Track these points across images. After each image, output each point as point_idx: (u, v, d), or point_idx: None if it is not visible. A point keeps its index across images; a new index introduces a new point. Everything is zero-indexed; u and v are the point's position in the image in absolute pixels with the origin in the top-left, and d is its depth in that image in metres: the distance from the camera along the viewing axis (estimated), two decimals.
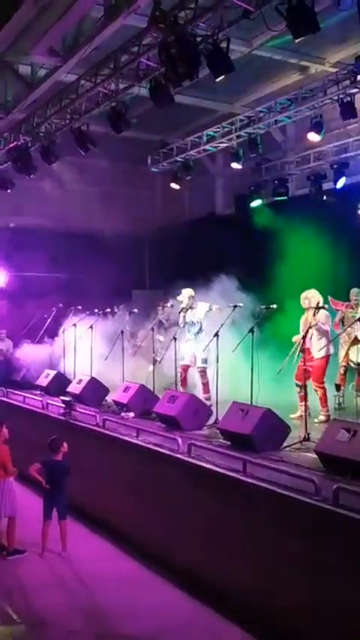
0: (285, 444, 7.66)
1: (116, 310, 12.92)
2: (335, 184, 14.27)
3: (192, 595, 6.62)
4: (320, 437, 6.92)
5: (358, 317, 8.78)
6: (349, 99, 11.95)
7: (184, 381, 11.31)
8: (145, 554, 7.63)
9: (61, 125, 13.13)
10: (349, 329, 10.03)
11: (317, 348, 9.46)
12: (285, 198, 15.60)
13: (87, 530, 8.64)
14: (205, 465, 7.01)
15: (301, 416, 9.36)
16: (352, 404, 9.69)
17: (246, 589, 6.16)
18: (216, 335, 9.44)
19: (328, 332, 9.47)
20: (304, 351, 9.13)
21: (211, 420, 9.03)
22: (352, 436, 6.31)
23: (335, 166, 14.27)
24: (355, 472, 6.06)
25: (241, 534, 6.34)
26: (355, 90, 11.91)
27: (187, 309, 11.33)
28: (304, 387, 9.19)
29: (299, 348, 8.96)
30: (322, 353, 9.47)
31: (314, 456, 6.81)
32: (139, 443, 8.28)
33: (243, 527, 6.33)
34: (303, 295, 9.78)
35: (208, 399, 10.52)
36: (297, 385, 9.57)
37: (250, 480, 6.36)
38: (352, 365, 10.40)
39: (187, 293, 11.50)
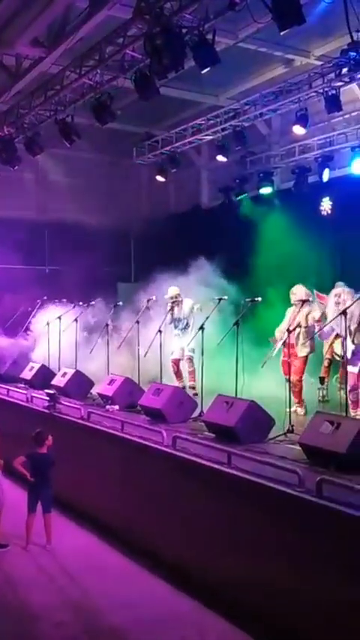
0: (269, 436, 7.68)
1: (96, 302, 12.87)
2: (320, 177, 14.31)
3: (178, 587, 6.63)
4: (304, 429, 6.96)
5: (342, 310, 8.80)
6: (334, 92, 11.98)
7: (177, 374, 11.88)
8: (131, 546, 7.64)
9: (46, 116, 13.06)
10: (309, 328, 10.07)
11: (302, 347, 9.52)
12: (270, 191, 15.63)
13: (72, 523, 8.63)
14: (189, 457, 7.01)
15: (296, 410, 9.45)
16: (336, 396, 9.76)
17: (232, 581, 6.18)
18: (201, 328, 9.46)
19: (314, 331, 9.52)
20: (287, 345, 9.18)
21: (196, 413, 9.04)
22: (336, 428, 6.34)
23: (320, 159, 14.30)
24: (339, 464, 6.09)
25: (226, 526, 6.36)
26: (340, 83, 11.95)
27: (174, 307, 11.79)
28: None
29: (282, 342, 9.03)
30: (305, 352, 9.55)
31: (298, 447, 6.84)
32: (124, 436, 8.27)
33: (228, 519, 6.35)
34: (291, 290, 9.84)
35: (194, 387, 11.07)
36: (287, 380, 9.60)
37: (234, 472, 6.37)
38: (336, 358, 10.45)
39: (172, 291, 11.93)
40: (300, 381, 9.65)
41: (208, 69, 9.30)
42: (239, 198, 16.10)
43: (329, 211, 14.27)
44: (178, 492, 7.11)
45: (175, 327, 11.86)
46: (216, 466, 6.61)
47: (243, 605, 5.99)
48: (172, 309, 11.81)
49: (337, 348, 10.20)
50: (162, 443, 7.56)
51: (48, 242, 18.12)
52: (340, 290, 9.82)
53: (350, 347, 8.58)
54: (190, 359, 11.52)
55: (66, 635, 5.93)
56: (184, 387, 11.47)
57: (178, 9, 8.88)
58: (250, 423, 7.56)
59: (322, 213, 14.37)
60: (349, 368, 8.59)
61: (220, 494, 6.52)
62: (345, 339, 8.72)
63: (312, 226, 14.29)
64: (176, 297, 11.86)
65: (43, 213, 18.70)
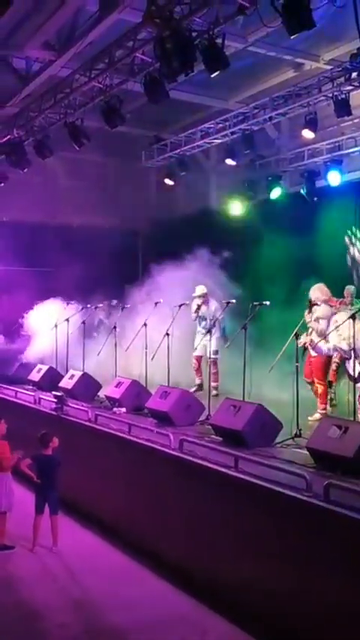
0: (277, 440, 7.67)
1: (113, 304, 12.97)
2: (328, 181, 14.29)
3: (183, 589, 6.64)
4: (312, 433, 6.94)
5: (351, 314, 8.76)
6: (343, 96, 11.97)
7: (198, 370, 12.11)
8: (137, 549, 7.64)
9: (55, 119, 13.10)
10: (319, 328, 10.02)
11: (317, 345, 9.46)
12: (279, 194, 15.60)
13: (78, 525, 8.64)
14: (196, 460, 7.01)
15: (325, 414, 9.39)
16: (344, 400, 9.72)
17: (236, 584, 6.17)
18: (209, 332, 9.62)
19: (323, 330, 9.45)
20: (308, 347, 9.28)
21: (204, 416, 9.03)
22: (343, 432, 6.33)
23: (329, 164, 14.29)
24: (346, 468, 6.07)
25: (232, 530, 6.35)
26: (350, 87, 11.94)
27: (201, 305, 11.97)
28: (314, 384, 9.43)
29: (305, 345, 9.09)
30: (316, 352, 9.50)
31: (305, 452, 6.82)
32: (131, 438, 8.27)
33: (234, 523, 6.34)
34: (311, 290, 9.75)
35: (216, 387, 11.40)
36: (308, 383, 9.61)
37: (241, 476, 6.36)
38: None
39: (200, 290, 12.10)
40: (321, 382, 9.53)
41: (217, 73, 9.31)
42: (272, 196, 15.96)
43: None
44: (185, 495, 7.11)
45: (199, 324, 12.07)
46: (223, 470, 6.60)
47: (246, 606, 5.98)
48: (198, 307, 11.99)
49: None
50: (169, 446, 7.55)
51: (56, 244, 18.15)
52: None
53: None
54: (215, 361, 11.70)
55: (68, 635, 5.94)
56: (201, 385, 11.73)
57: (188, 13, 8.89)
58: (258, 427, 7.55)
59: None
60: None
61: (226, 497, 6.51)
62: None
63: (319, 229, 14.27)
64: (203, 296, 12.02)
65: (51, 215, 18.74)
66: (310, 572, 5.38)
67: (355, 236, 14.18)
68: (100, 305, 12.75)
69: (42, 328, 13.25)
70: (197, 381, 11.97)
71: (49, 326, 13.04)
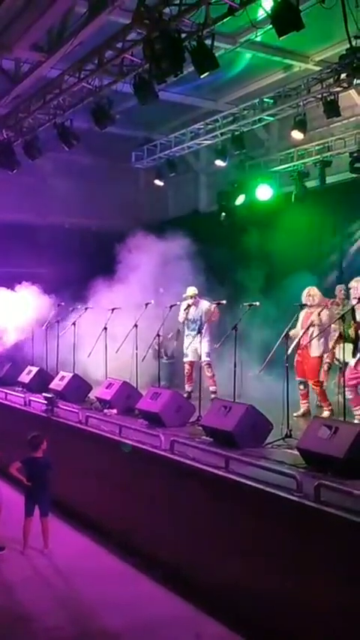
0: (267, 441, 7.68)
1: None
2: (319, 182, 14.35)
3: (175, 591, 6.63)
4: (302, 433, 6.96)
5: (342, 314, 8.80)
6: (332, 97, 12.01)
7: (189, 377, 11.69)
8: (128, 550, 7.63)
9: (45, 120, 13.07)
10: (334, 326, 10.06)
11: (316, 346, 9.47)
12: (269, 195, 15.65)
13: (69, 526, 8.61)
14: (187, 461, 7.01)
15: (304, 414, 9.44)
16: (334, 401, 9.76)
17: (228, 585, 6.17)
18: (199, 332, 9.61)
19: (329, 332, 9.49)
20: (301, 347, 9.29)
21: (194, 417, 9.03)
22: (333, 433, 6.35)
23: (318, 165, 14.33)
24: (337, 469, 6.09)
25: (224, 531, 6.36)
26: (339, 89, 11.99)
27: (190, 306, 11.63)
28: (306, 384, 9.50)
29: (296, 344, 9.06)
30: (319, 352, 9.51)
31: (296, 452, 6.84)
32: (122, 440, 8.27)
33: (225, 524, 6.34)
34: (305, 292, 9.75)
35: (215, 392, 11.03)
36: (300, 382, 9.63)
37: (232, 477, 6.37)
38: (336, 363, 10.46)
39: (191, 291, 11.81)
40: (317, 383, 9.58)
41: (207, 74, 9.32)
42: (237, 202, 16.06)
43: None
44: (176, 496, 7.10)
45: (188, 327, 11.71)
46: (214, 470, 6.60)
47: (239, 609, 5.98)
48: (188, 307, 11.66)
49: (338, 353, 10.20)
50: (160, 447, 7.55)
51: (46, 245, 18.10)
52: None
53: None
54: (209, 364, 11.38)
55: (60, 637, 5.92)
56: (191, 392, 11.46)
57: (178, 14, 8.89)
58: (248, 428, 7.56)
59: None
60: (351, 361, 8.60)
61: (217, 498, 6.52)
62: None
63: (311, 230, 14.33)
64: (193, 297, 11.67)
65: (41, 216, 18.68)
66: (302, 572, 5.39)
67: (344, 236, 14.26)
68: (90, 306, 12.68)
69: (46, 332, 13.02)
70: (187, 388, 11.56)
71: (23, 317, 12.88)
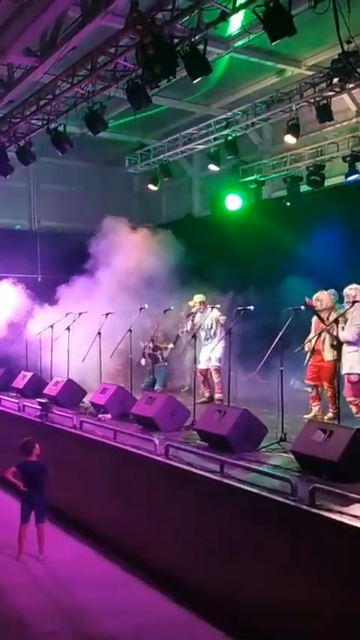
0: (262, 445, 7.68)
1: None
2: (310, 186, 14.38)
3: (170, 596, 6.62)
4: (296, 437, 6.96)
5: (335, 318, 8.85)
6: (325, 102, 12.06)
7: (204, 382, 11.66)
8: (123, 555, 7.61)
9: (38, 126, 13.07)
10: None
11: (328, 351, 9.47)
12: (262, 200, 15.69)
13: (64, 532, 8.60)
14: (182, 466, 7.01)
15: (316, 416, 9.45)
16: (329, 403, 9.77)
17: (224, 589, 6.17)
18: (194, 336, 9.65)
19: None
20: (315, 351, 9.34)
21: (189, 422, 9.03)
22: (328, 436, 6.35)
23: (311, 169, 14.36)
24: (331, 472, 6.10)
25: (219, 535, 6.35)
26: (332, 93, 12.04)
27: (196, 314, 11.65)
28: (316, 388, 9.49)
29: (310, 350, 9.19)
30: (332, 355, 9.49)
31: (291, 456, 6.84)
32: (117, 444, 8.26)
33: (220, 528, 6.34)
34: (314, 297, 9.74)
35: (221, 399, 10.95)
36: (309, 386, 9.65)
37: (227, 481, 6.37)
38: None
39: (198, 299, 11.87)
40: (331, 386, 9.53)
41: (199, 79, 9.34)
42: (231, 207, 16.08)
43: None
44: (171, 501, 7.10)
45: (201, 337, 11.57)
46: (209, 475, 6.60)
47: (235, 613, 5.97)
48: (191, 315, 11.70)
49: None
50: (154, 452, 7.55)
51: (40, 250, 18.09)
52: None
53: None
54: (217, 370, 11.35)
55: None
56: (211, 397, 11.49)
57: (170, 19, 8.92)
58: (243, 432, 7.55)
59: None
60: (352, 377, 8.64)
61: (212, 502, 6.51)
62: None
63: (304, 235, 14.33)
64: (200, 305, 11.72)
65: (34, 221, 18.69)
66: (297, 576, 5.39)
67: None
68: (85, 311, 12.65)
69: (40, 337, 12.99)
70: (206, 394, 11.58)
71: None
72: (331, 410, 9.50)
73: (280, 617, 5.51)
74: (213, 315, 11.40)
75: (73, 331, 11.70)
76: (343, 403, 8.73)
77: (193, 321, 11.73)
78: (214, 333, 11.45)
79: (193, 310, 11.81)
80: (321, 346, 9.45)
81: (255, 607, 5.77)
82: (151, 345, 12.99)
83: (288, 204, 14.70)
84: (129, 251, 13.31)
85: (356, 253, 12.22)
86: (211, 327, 11.52)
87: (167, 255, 13.22)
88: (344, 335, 8.77)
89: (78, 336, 11.55)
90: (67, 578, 7.23)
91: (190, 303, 12.08)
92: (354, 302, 8.62)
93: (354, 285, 9.07)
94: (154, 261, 12.99)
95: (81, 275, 13.50)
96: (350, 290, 9.02)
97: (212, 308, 11.28)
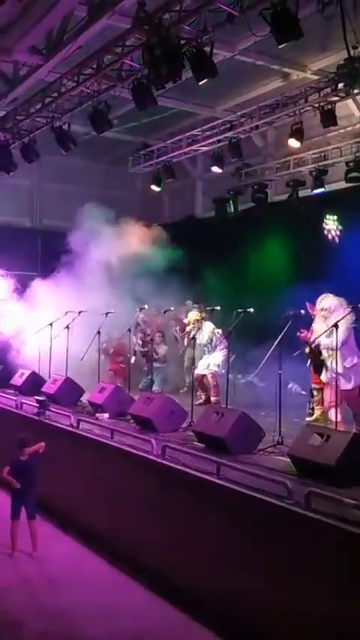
0: (259, 447, 7.67)
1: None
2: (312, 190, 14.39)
3: (164, 597, 6.61)
4: (293, 440, 6.96)
5: (331, 325, 8.85)
6: (329, 107, 12.06)
7: (201, 386, 11.65)
8: (118, 555, 7.60)
9: (42, 123, 13.07)
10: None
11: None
12: (264, 203, 15.69)
13: (59, 530, 8.59)
14: (178, 467, 7.00)
15: (318, 419, 9.43)
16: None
17: (218, 592, 6.15)
18: (193, 338, 9.69)
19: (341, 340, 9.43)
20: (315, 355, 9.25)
21: (186, 423, 9.02)
22: (325, 441, 6.35)
23: (314, 173, 14.38)
24: (328, 476, 6.09)
25: (214, 537, 6.34)
26: (336, 98, 12.05)
27: (196, 331, 11.60)
28: (321, 392, 9.43)
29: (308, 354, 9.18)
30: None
31: (288, 459, 6.84)
32: (114, 444, 8.25)
33: (216, 530, 6.33)
34: (318, 300, 9.69)
35: (218, 402, 10.88)
36: (314, 389, 9.64)
37: (223, 483, 6.36)
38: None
39: (193, 317, 11.88)
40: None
41: (205, 80, 9.34)
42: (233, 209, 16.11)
43: (335, 233, 14.31)
44: (167, 502, 7.09)
45: (202, 351, 11.68)
46: (205, 476, 6.59)
47: (228, 615, 5.96)
48: (186, 334, 11.77)
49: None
50: (151, 452, 7.54)
51: (41, 248, 18.08)
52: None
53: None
54: (213, 374, 11.39)
55: None
56: (208, 398, 11.49)
57: (177, 20, 8.92)
58: (240, 434, 7.55)
59: (326, 233, 14.41)
60: (342, 384, 8.52)
61: (208, 504, 6.50)
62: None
63: (304, 238, 14.36)
64: (196, 323, 11.69)
65: (37, 219, 18.67)
66: (291, 579, 5.38)
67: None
68: (84, 310, 12.64)
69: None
70: (203, 396, 11.58)
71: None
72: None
73: (274, 620, 5.50)
74: (208, 329, 11.53)
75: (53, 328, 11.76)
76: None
77: (189, 337, 11.74)
78: (214, 346, 11.52)
79: (188, 329, 11.87)
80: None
81: (248, 610, 5.76)
82: (140, 342, 13.02)
83: (303, 208, 14.66)
84: (114, 245, 13.27)
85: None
86: (210, 342, 11.58)
87: (166, 255, 13.22)
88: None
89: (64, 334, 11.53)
90: (60, 577, 7.23)
91: (186, 321, 12.13)
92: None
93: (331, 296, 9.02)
94: (151, 260, 12.98)
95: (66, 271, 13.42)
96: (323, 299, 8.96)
97: (205, 321, 11.49)
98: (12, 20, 10.40)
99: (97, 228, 13.38)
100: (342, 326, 7.94)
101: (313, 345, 9.03)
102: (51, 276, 13.69)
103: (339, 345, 8.06)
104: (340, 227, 14.33)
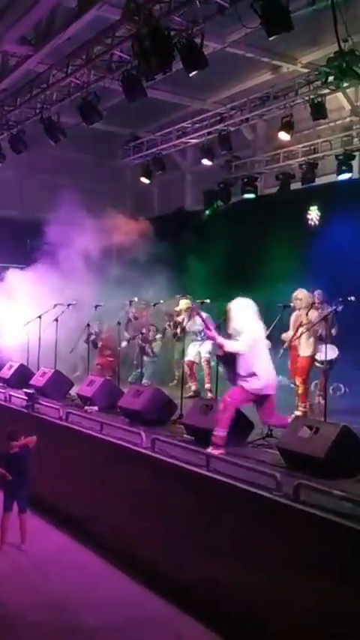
0: (248, 440, 7.69)
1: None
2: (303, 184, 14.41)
3: (154, 589, 6.61)
4: (283, 433, 6.98)
5: (321, 317, 8.89)
6: (319, 100, 12.07)
7: (191, 375, 11.56)
8: (107, 548, 7.60)
9: (31, 115, 13.01)
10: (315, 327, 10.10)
11: (305, 346, 9.50)
12: (253, 196, 15.70)
13: (48, 523, 8.55)
14: (168, 459, 7.00)
15: (305, 412, 9.45)
16: (314, 402, 9.80)
17: (208, 584, 6.17)
18: (182, 330, 9.64)
19: (317, 331, 9.50)
20: (292, 348, 9.33)
21: (176, 415, 9.03)
22: (314, 433, 6.38)
23: (304, 166, 14.40)
24: (316, 469, 6.12)
25: (204, 529, 6.35)
26: (326, 91, 12.06)
27: (184, 320, 11.55)
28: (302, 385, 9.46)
29: (286, 346, 9.13)
30: (309, 352, 9.53)
31: (277, 452, 6.86)
32: (103, 437, 8.24)
33: (205, 522, 6.34)
34: (294, 295, 9.74)
35: (210, 389, 10.88)
36: (294, 384, 9.66)
37: (212, 475, 6.37)
38: (316, 364, 10.48)
39: (184, 304, 11.77)
40: (304, 382, 9.56)
41: (195, 72, 9.31)
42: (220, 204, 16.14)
43: (317, 222, 14.34)
44: (156, 494, 7.09)
45: (193, 337, 11.53)
46: (194, 469, 6.60)
47: (219, 607, 5.98)
48: (182, 329, 11.59)
49: (318, 354, 10.22)
50: (141, 444, 7.54)
51: (29, 241, 18.01)
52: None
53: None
54: (207, 361, 11.28)
55: (39, 634, 5.89)
56: (198, 390, 11.43)
57: (168, 11, 8.90)
58: (230, 427, 7.55)
59: (310, 223, 14.45)
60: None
61: (198, 497, 6.51)
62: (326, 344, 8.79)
63: (293, 231, 14.38)
64: (187, 311, 11.58)
65: (25, 211, 18.59)
66: (281, 571, 5.40)
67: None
68: (74, 302, 12.61)
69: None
70: (193, 388, 11.42)
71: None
72: (300, 407, 9.47)
73: (264, 612, 5.52)
74: (199, 318, 11.40)
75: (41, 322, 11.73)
76: (329, 400, 8.74)
77: (181, 327, 11.67)
78: (205, 334, 11.42)
79: (179, 319, 11.77)
80: (298, 342, 9.45)
81: (239, 601, 5.78)
82: (140, 336, 13.00)
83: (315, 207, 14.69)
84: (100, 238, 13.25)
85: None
86: (202, 330, 11.46)
87: (152, 247, 13.19)
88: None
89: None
90: (50, 569, 7.21)
91: (177, 309, 12.04)
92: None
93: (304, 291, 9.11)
94: (137, 253, 12.96)
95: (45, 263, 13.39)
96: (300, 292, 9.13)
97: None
98: (1, 10, 10.34)
99: (83, 221, 13.27)
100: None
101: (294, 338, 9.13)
102: (34, 268, 13.60)
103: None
104: (321, 218, 14.38)
